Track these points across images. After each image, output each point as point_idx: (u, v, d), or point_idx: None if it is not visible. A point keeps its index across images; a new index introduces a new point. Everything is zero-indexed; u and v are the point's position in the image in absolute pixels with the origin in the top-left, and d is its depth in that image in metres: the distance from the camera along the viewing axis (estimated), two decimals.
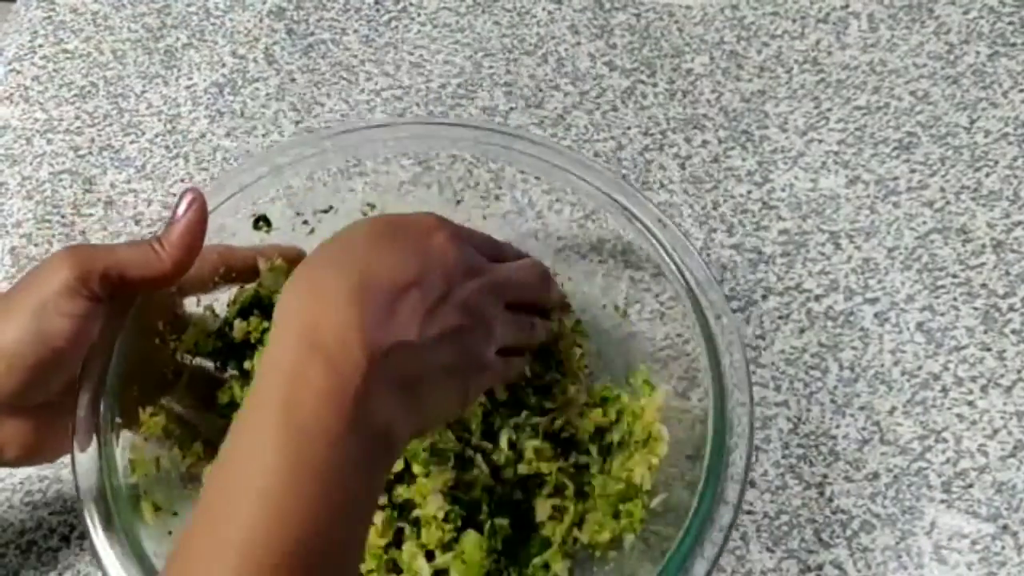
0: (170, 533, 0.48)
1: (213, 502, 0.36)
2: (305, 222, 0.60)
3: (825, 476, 0.58)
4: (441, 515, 0.50)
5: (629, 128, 0.73)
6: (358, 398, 0.37)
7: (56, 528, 0.57)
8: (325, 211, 0.60)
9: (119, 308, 0.49)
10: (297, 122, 0.74)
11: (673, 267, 0.54)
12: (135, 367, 0.50)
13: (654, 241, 0.55)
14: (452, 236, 0.44)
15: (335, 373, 0.37)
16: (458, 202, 0.63)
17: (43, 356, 0.46)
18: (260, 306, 0.55)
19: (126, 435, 0.49)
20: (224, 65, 0.78)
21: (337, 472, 0.36)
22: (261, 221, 0.57)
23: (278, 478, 0.35)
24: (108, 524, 0.45)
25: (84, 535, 0.56)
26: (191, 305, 0.55)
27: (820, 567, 0.55)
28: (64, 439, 0.48)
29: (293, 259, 0.57)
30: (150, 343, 0.52)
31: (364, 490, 0.38)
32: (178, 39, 0.80)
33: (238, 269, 0.55)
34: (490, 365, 0.46)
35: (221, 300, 0.56)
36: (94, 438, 0.47)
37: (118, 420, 0.48)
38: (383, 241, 0.42)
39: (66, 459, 0.59)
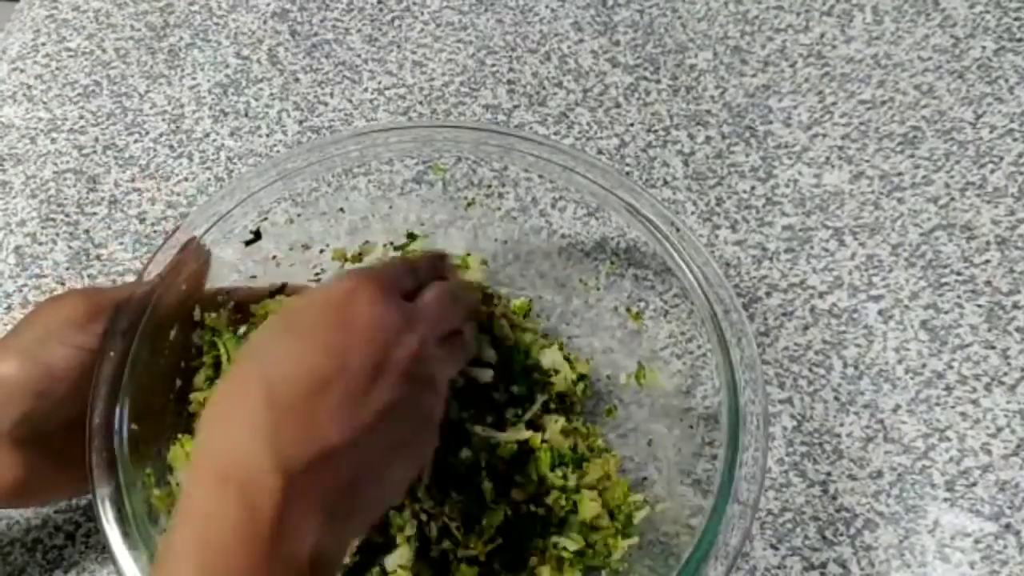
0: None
1: None
2: (305, 246, 0.60)
3: (829, 474, 0.58)
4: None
5: (632, 125, 0.73)
6: (273, 529, 0.34)
7: (61, 526, 0.57)
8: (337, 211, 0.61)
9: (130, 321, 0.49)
10: (301, 121, 0.74)
11: (681, 263, 0.54)
12: (148, 374, 0.50)
13: (661, 238, 0.55)
14: (373, 298, 0.40)
15: (246, 505, 0.34)
16: (468, 205, 0.63)
17: (44, 386, 0.46)
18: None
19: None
20: (228, 66, 0.78)
21: None
22: (255, 235, 0.57)
23: None
24: (121, 519, 0.46)
25: (90, 533, 0.57)
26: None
27: (824, 565, 0.55)
28: (55, 483, 0.49)
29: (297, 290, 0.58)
30: (163, 347, 0.52)
31: None
32: (181, 39, 0.80)
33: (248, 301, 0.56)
34: (437, 411, 0.43)
35: None
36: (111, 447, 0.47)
37: (133, 427, 0.48)
38: (289, 339, 0.39)
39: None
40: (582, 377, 0.59)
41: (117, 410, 0.48)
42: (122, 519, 0.45)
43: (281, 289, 0.58)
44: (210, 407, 0.38)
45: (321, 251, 0.61)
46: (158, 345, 0.51)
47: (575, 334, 0.62)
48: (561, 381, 0.57)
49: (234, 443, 0.36)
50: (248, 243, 0.56)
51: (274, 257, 0.59)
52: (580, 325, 0.61)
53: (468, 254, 0.62)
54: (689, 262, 0.54)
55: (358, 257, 0.61)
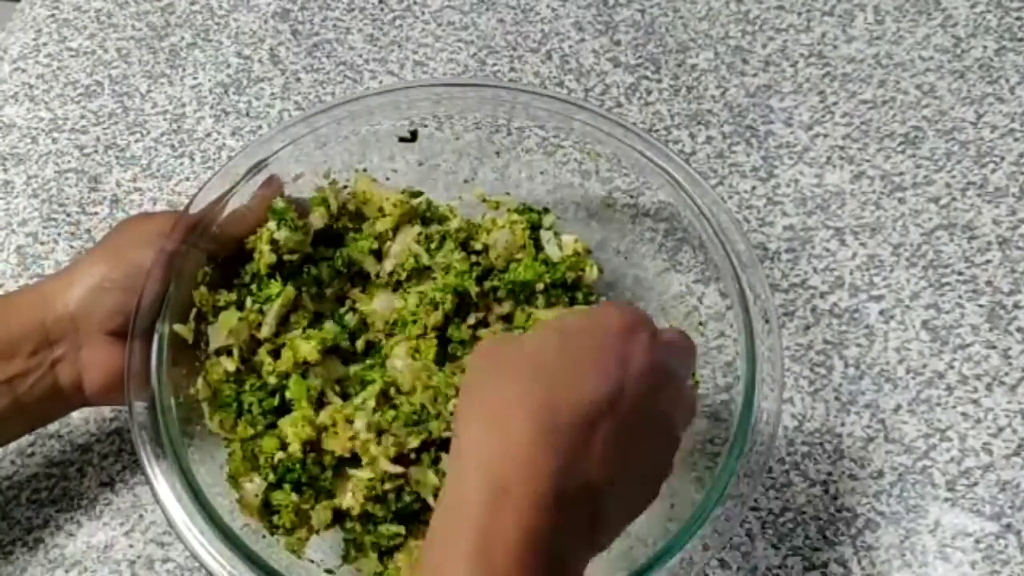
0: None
1: None
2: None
3: (830, 474, 0.58)
4: None
5: (633, 124, 0.73)
6: (547, 547, 0.36)
7: (63, 525, 0.57)
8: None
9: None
10: None
11: (717, 243, 0.54)
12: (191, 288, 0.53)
13: (696, 213, 0.55)
14: (650, 340, 0.41)
15: (526, 527, 0.35)
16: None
17: (134, 282, 0.50)
18: None
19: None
20: (229, 65, 0.78)
21: None
22: (411, 135, 0.60)
23: None
24: (158, 444, 0.48)
25: (92, 533, 0.57)
26: None
27: (824, 564, 0.55)
28: None
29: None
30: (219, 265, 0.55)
31: None
32: (182, 38, 0.80)
33: None
34: (676, 450, 0.44)
35: None
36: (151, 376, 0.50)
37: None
38: (574, 355, 0.39)
39: (73, 459, 0.60)
40: None
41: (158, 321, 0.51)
42: (158, 441, 0.48)
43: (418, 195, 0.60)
44: (479, 390, 0.39)
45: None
46: (216, 264, 0.55)
47: None
48: None
49: (515, 456, 0.36)
50: (402, 140, 0.59)
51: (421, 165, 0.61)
52: None
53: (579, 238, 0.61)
54: (724, 241, 0.53)
55: (496, 205, 0.62)
